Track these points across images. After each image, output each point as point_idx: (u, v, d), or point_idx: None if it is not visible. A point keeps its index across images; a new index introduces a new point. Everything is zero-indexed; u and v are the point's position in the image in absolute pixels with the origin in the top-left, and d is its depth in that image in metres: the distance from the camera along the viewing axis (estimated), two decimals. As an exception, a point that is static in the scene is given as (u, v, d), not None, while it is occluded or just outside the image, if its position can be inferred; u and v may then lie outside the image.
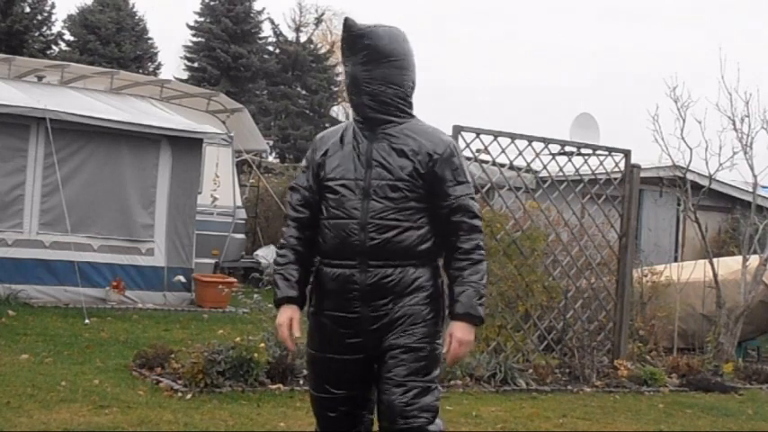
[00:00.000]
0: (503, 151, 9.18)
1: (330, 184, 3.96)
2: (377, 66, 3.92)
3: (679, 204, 15.49)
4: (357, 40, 3.94)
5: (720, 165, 10.97)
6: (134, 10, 33.80)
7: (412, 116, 4.03)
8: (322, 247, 3.97)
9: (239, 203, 16.15)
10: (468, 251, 3.92)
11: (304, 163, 4.12)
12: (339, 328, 3.93)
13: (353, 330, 3.91)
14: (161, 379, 7.43)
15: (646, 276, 11.61)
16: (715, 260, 11.01)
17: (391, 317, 3.88)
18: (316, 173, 4.02)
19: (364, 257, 3.87)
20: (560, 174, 9.41)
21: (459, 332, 3.88)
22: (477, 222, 3.97)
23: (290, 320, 3.97)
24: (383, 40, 3.93)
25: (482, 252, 3.96)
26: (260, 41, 35.77)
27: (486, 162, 9.49)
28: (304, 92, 35.91)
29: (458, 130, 8.78)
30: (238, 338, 7.69)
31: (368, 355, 3.94)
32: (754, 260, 11.03)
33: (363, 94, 3.95)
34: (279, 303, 4.02)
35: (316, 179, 4.02)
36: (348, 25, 3.96)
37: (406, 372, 3.85)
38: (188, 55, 34.73)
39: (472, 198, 3.99)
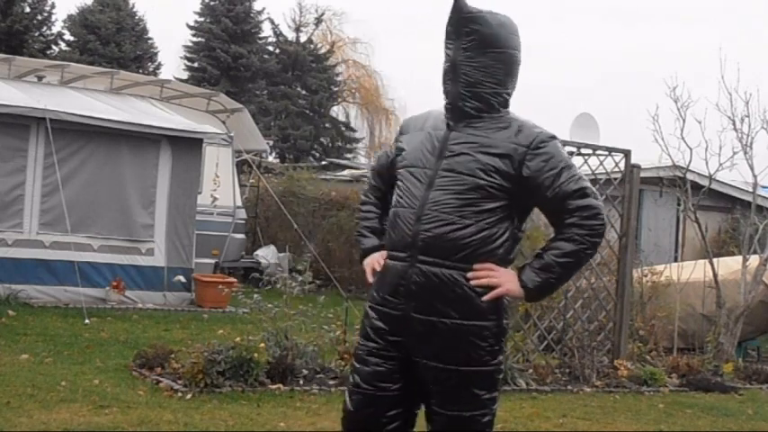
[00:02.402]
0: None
1: (401, 170, 3.75)
2: (480, 54, 3.64)
3: (679, 204, 15.47)
4: (465, 22, 3.65)
5: (720, 165, 10.98)
6: (134, 10, 33.83)
7: (504, 113, 3.71)
8: (387, 238, 3.77)
9: (239, 203, 16.13)
10: (564, 226, 3.61)
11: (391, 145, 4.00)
12: (381, 323, 3.70)
13: (394, 328, 3.67)
14: (161, 379, 7.43)
15: (646, 276, 11.61)
16: (715, 260, 11.01)
17: (437, 326, 3.57)
18: (393, 157, 3.87)
19: (414, 251, 3.60)
20: (560, 174, 9.39)
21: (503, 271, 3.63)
22: (586, 201, 3.59)
23: (373, 261, 3.82)
24: (492, 27, 3.65)
25: (581, 233, 3.58)
26: (260, 41, 35.78)
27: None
28: (304, 92, 35.92)
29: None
30: (238, 338, 7.70)
31: (406, 357, 3.67)
32: (754, 260, 11.03)
33: (459, 83, 3.67)
34: (362, 258, 3.91)
35: (392, 162, 3.86)
36: (458, 6, 3.66)
37: (441, 399, 3.63)
38: (188, 55, 34.75)
39: (579, 179, 3.62)
